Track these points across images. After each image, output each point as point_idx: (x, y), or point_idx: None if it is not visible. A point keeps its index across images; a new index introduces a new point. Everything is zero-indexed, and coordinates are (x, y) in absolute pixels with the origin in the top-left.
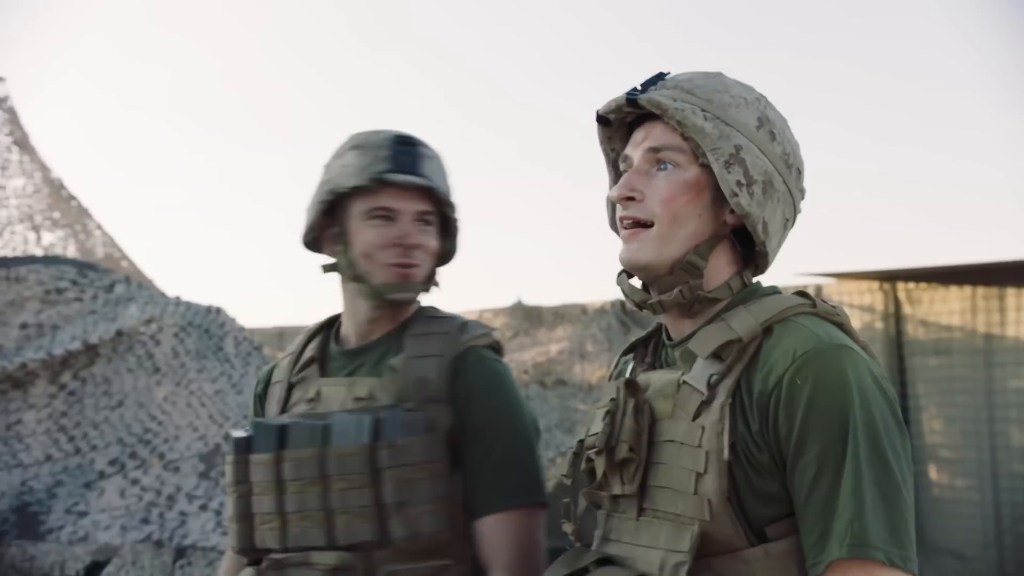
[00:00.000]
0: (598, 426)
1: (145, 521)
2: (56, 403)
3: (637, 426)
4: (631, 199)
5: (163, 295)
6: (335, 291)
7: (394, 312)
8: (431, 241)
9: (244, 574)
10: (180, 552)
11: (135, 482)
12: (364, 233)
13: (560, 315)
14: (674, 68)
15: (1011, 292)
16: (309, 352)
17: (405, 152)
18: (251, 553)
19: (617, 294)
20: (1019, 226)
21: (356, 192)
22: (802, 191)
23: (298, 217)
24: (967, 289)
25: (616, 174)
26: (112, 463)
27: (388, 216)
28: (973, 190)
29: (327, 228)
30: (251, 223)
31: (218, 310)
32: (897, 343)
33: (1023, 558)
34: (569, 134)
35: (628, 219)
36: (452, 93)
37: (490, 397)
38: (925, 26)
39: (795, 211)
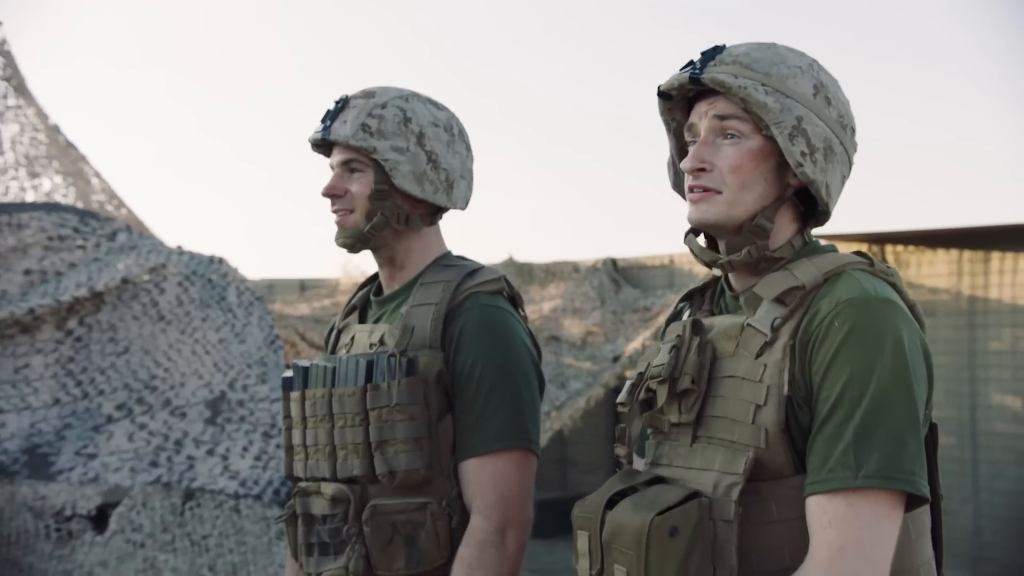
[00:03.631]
0: (663, 358)
1: (154, 464)
2: (63, 348)
3: (700, 361)
4: (701, 170)
5: (164, 244)
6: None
7: (409, 262)
8: (352, 186)
9: None
10: (189, 494)
11: (143, 426)
12: None
13: (552, 272)
14: (646, 37)
15: (995, 256)
16: (356, 300)
17: (331, 109)
18: (292, 480)
19: (608, 252)
20: (1005, 193)
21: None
22: (855, 145)
23: (283, 172)
24: (953, 252)
25: (679, 141)
26: (119, 407)
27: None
28: (960, 158)
29: None
30: (236, 178)
31: (220, 260)
32: None
33: (998, 513)
34: (563, 98)
35: (699, 187)
36: (445, 54)
37: (480, 341)
38: None
39: (850, 166)
